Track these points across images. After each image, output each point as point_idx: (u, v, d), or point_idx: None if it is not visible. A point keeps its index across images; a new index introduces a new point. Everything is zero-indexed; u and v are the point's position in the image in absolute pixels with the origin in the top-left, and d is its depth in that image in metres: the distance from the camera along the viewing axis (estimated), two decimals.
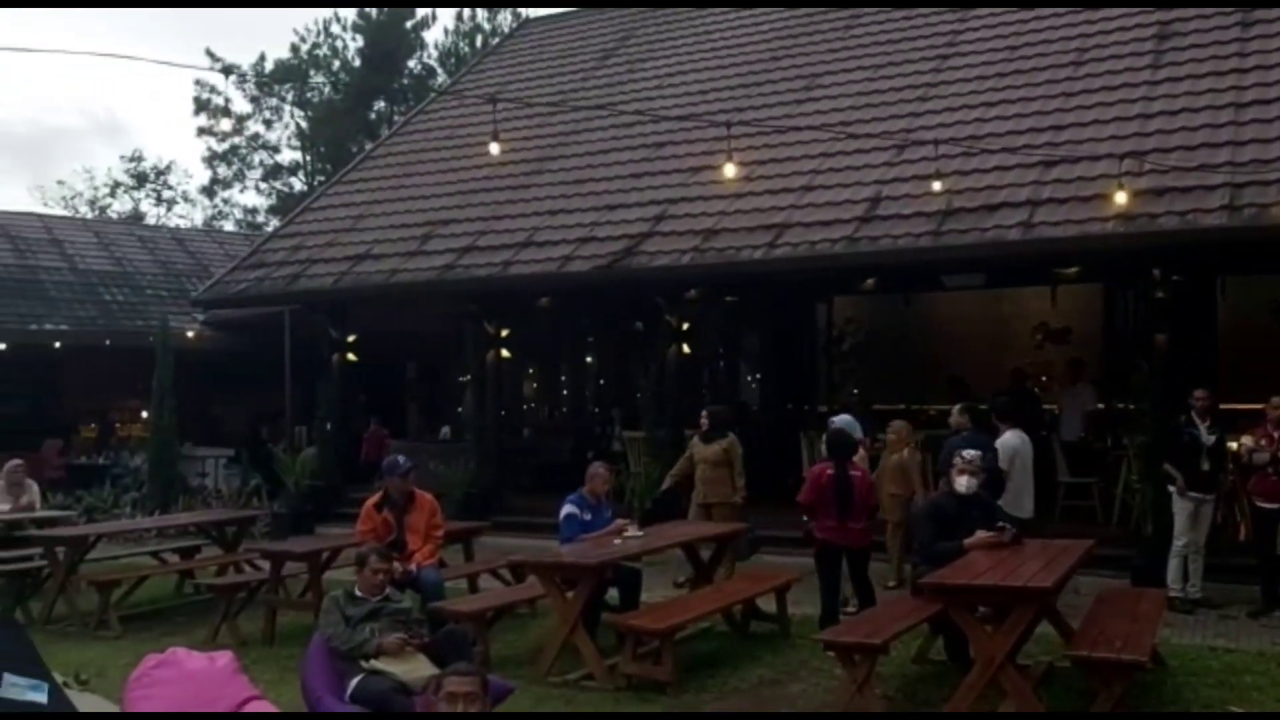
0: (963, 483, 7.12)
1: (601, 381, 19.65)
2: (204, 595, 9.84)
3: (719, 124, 11.35)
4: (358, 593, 6.09)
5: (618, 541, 8.06)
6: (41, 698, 5.12)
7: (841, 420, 9.50)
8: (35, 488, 11.37)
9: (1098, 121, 11.66)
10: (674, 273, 12.23)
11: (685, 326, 13.29)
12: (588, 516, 8.28)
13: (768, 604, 8.44)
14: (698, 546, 8.92)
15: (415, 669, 5.67)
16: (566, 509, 8.23)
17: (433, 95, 22.77)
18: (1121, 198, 9.86)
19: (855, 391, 17.08)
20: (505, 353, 14.84)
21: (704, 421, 10.15)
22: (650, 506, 11.62)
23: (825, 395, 16.63)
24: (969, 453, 7.31)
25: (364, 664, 5.76)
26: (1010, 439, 8.76)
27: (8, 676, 5.09)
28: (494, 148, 8.71)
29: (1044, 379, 15.14)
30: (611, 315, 17.05)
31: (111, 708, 5.96)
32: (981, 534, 6.92)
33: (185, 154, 74.70)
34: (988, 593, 6.13)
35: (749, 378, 18.79)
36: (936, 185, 10.65)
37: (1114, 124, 11.51)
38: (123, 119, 59.61)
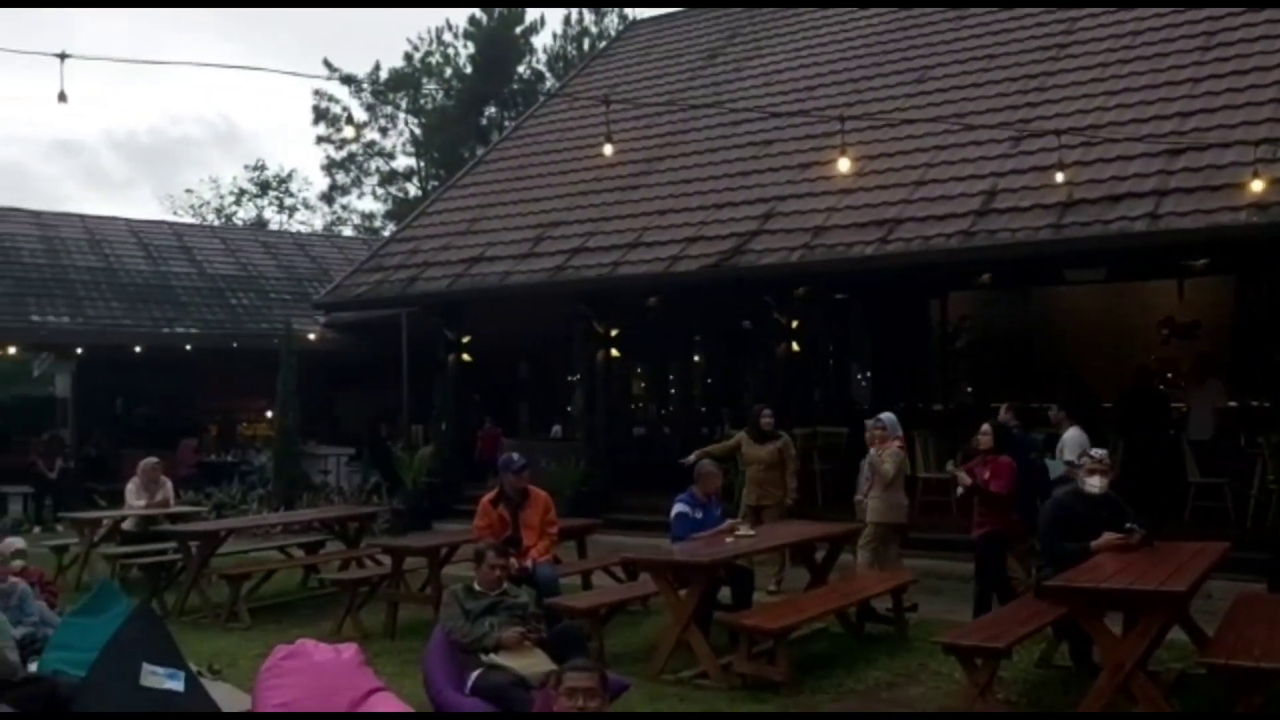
0: (1094, 482, 6.91)
1: (709, 380, 19.63)
2: (328, 589, 10.12)
3: (829, 119, 11.23)
4: (476, 587, 6.22)
5: (729, 540, 8.04)
6: (178, 686, 5.38)
7: (886, 417, 9.43)
8: (169, 485, 11.89)
9: (1228, 107, 11.16)
10: (783, 270, 12.14)
11: (794, 325, 13.20)
12: (698, 515, 8.28)
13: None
14: (809, 546, 8.84)
15: (534, 664, 5.76)
16: (677, 507, 8.25)
17: (542, 99, 23.08)
18: (1257, 185, 9.43)
19: (969, 390, 16.73)
20: (615, 352, 14.96)
21: (767, 421, 10.06)
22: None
23: (939, 394, 16.31)
24: (1098, 451, 7.13)
25: (483, 657, 5.87)
26: (1075, 434, 8.86)
27: (147, 666, 5.35)
28: (607, 149, 8.76)
29: (1170, 376, 14.58)
30: (719, 314, 17.02)
31: (243, 697, 6.19)
32: (1109, 536, 6.70)
33: (301, 161, 77.41)
34: (1117, 597, 5.92)
35: (858, 376, 18.55)
36: (1060, 176, 10.33)
37: (1245, 109, 11.01)
38: (240, 128, 62.09)
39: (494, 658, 5.86)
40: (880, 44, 15.92)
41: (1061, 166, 10.39)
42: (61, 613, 7.90)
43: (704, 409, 18.77)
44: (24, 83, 40.21)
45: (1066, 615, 6.32)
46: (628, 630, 8.49)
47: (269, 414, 20.79)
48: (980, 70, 13.99)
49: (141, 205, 74.13)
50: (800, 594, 8.48)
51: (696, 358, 19.56)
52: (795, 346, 13.13)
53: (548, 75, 36.64)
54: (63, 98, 5.69)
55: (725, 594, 8.06)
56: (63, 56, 5.49)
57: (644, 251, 13.39)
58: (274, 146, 70.12)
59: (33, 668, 6.71)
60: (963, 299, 16.12)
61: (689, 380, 19.97)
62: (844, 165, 9.75)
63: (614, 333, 14.73)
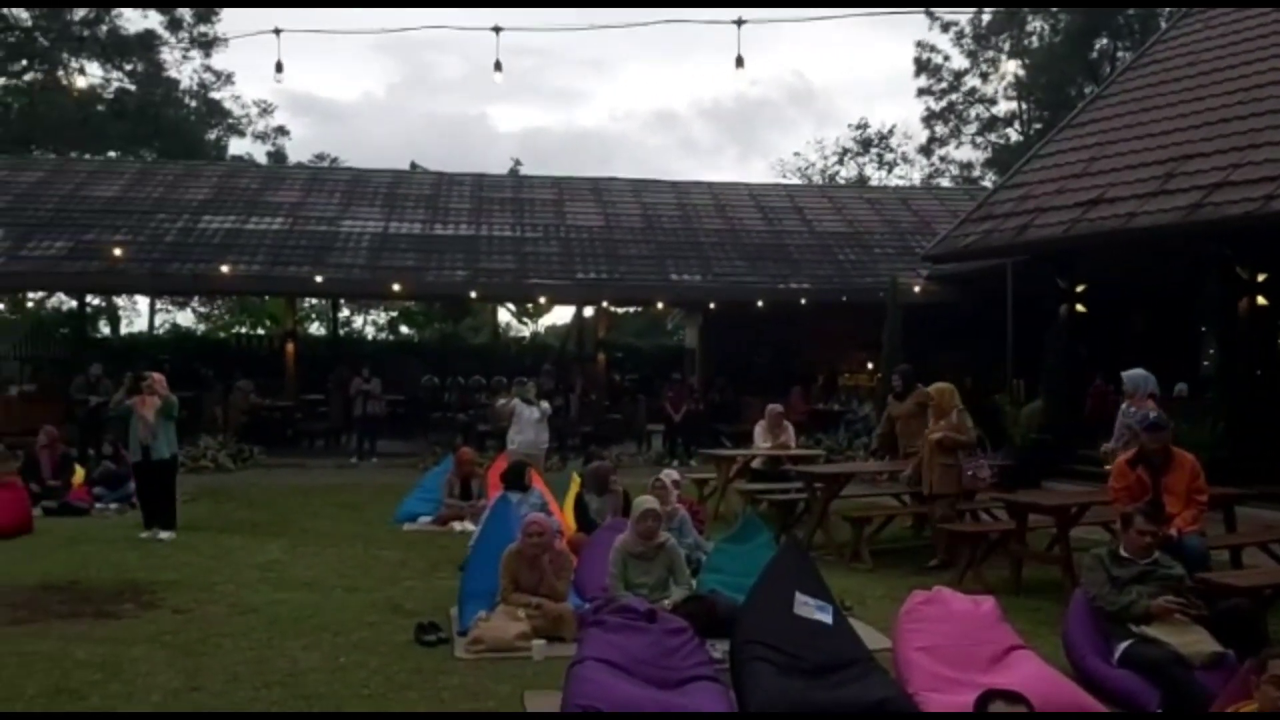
0: None
1: None
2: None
3: None
4: (1123, 553, 5.81)
5: None
6: (827, 618, 5.66)
7: (1130, 374, 9.19)
8: (791, 429, 12.67)
9: None
10: None
11: None
12: None
13: None
14: None
15: (1194, 642, 5.26)
16: None
17: (1168, 23, 20.76)
18: None
19: None
20: (1261, 300, 13.13)
21: (896, 382, 11.14)
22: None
23: None
24: None
25: (1133, 628, 5.47)
26: None
27: (799, 596, 5.70)
28: None
29: None
30: None
31: (878, 635, 6.39)
32: None
33: (882, 114, 78.40)
34: None
35: None
36: None
37: None
38: (814, 85, 64.35)
39: (1145, 629, 5.43)
40: None
41: None
42: (709, 538, 8.82)
43: None
44: (628, 61, 45.09)
45: None
46: None
47: (869, 365, 21.37)
48: None
49: (726, 170, 79.92)
50: None
51: None
52: None
53: None
54: (740, 62, 6.23)
55: None
56: (739, 23, 5.99)
57: None
58: (846, 102, 71.84)
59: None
60: None
61: None
62: None
63: (1261, 278, 12.92)
